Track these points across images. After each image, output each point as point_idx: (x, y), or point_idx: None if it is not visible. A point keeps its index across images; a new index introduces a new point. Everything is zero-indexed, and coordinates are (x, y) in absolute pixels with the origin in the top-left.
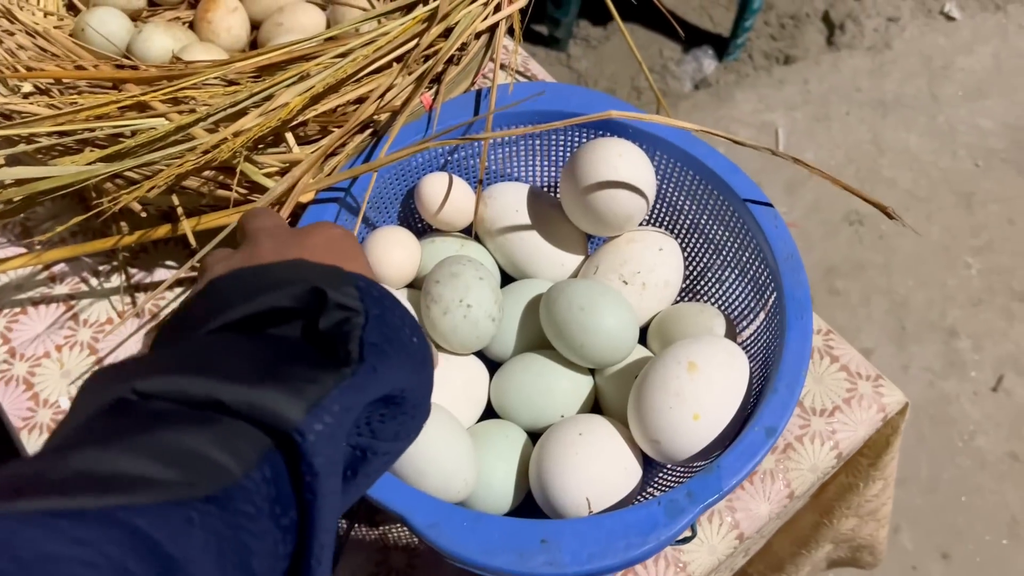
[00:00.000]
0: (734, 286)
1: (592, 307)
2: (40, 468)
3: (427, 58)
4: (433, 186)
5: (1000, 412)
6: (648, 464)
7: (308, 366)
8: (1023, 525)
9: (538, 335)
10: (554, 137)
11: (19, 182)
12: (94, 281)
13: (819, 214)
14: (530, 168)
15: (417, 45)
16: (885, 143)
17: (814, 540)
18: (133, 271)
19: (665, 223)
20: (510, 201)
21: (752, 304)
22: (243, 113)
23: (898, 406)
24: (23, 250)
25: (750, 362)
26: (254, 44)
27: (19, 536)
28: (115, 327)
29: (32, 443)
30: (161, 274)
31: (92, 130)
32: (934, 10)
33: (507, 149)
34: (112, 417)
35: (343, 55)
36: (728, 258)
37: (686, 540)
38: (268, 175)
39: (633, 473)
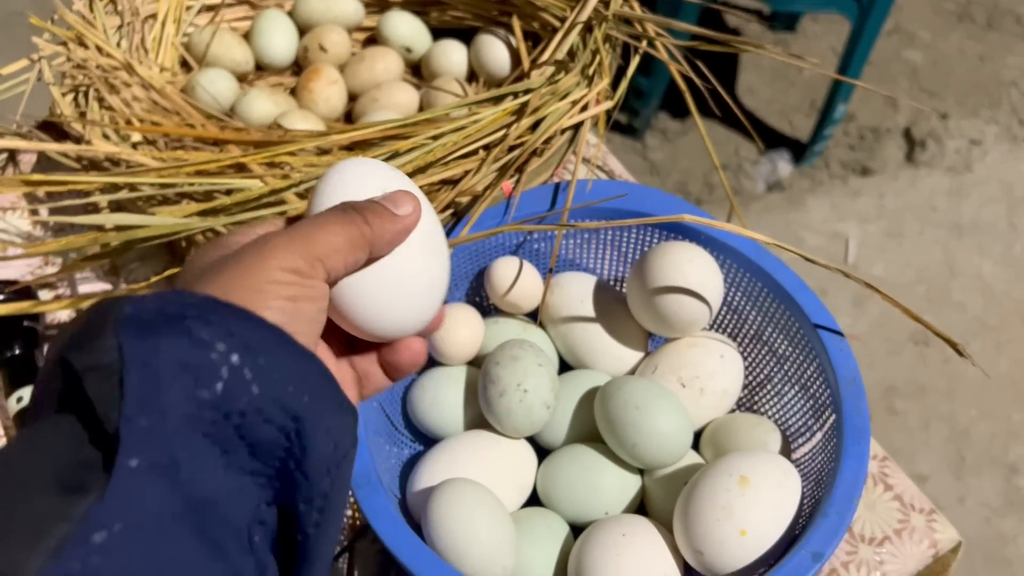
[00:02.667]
0: (793, 402)
1: (648, 407)
2: None
3: (512, 148)
4: (504, 269)
5: None
6: (689, 574)
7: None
8: None
9: (590, 427)
10: (626, 234)
11: (119, 228)
12: None
13: (884, 331)
14: (599, 260)
15: (505, 136)
16: (958, 266)
17: None
18: None
19: (728, 330)
20: (576, 291)
21: (810, 423)
22: None
23: (951, 544)
24: (108, 286)
25: (803, 481)
26: (349, 115)
27: None
28: None
29: None
30: None
31: (192, 184)
32: (1019, 137)
33: (578, 239)
34: None
35: (434, 138)
36: (789, 373)
37: None
38: None
39: None
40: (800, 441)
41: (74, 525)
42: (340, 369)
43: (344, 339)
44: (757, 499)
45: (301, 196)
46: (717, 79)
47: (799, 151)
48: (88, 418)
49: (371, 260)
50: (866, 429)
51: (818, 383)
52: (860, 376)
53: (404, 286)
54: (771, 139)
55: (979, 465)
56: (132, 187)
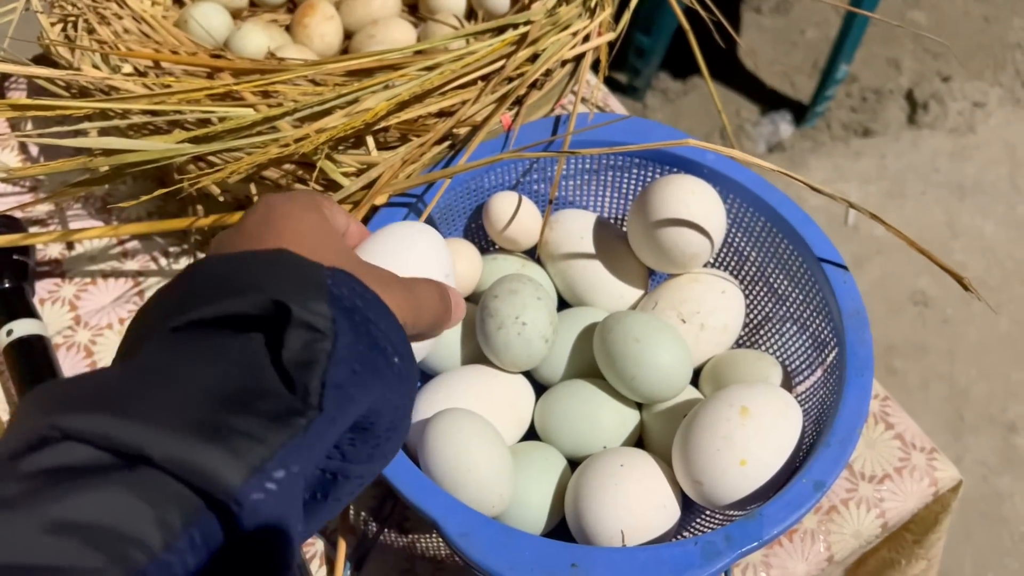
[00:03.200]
0: (794, 339)
1: (648, 340)
2: None
3: (511, 80)
4: (502, 204)
5: None
6: (687, 507)
7: (256, 415)
8: None
9: (589, 363)
10: (626, 172)
11: (107, 152)
12: (164, 261)
13: (884, 291)
14: (599, 200)
15: (504, 66)
16: (959, 227)
17: None
18: (201, 255)
19: (731, 267)
20: (576, 227)
21: (810, 360)
22: (328, 112)
23: (951, 482)
24: (100, 223)
25: (804, 418)
26: (346, 53)
27: None
28: None
29: None
30: None
31: (182, 113)
32: (1022, 99)
33: (578, 180)
34: (29, 459)
35: (430, 68)
36: (791, 310)
37: None
38: (345, 174)
39: (671, 512)
40: (801, 378)
41: (271, 455)
42: None
43: None
44: (758, 429)
45: (295, 125)
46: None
47: (800, 112)
48: (286, 359)
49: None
50: (869, 360)
51: (820, 319)
52: (864, 308)
53: None
54: (773, 100)
55: (977, 424)
56: (122, 115)
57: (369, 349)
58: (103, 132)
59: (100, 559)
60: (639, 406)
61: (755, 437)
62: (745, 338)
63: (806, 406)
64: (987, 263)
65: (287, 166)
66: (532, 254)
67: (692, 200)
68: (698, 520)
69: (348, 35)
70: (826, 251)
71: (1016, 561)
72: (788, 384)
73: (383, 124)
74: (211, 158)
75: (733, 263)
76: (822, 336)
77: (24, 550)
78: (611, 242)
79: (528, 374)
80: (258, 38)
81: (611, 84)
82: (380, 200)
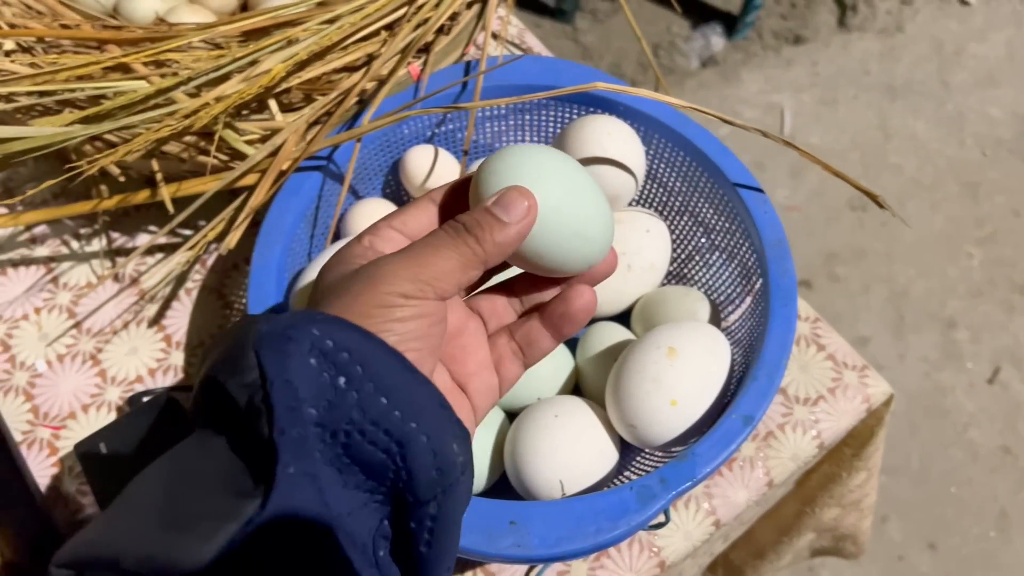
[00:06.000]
0: (722, 270)
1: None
2: None
3: (417, 27)
4: (418, 158)
5: (995, 405)
6: (626, 448)
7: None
8: (1012, 519)
9: None
10: (544, 113)
11: None
12: (75, 244)
13: (822, 199)
14: (519, 142)
15: (405, 14)
16: (892, 129)
17: (796, 529)
18: (114, 235)
19: (656, 204)
20: None
21: (739, 289)
22: (226, 78)
23: (883, 397)
24: (3, 211)
25: (734, 348)
26: (245, 8)
27: None
28: (92, 290)
29: (7, 406)
30: (142, 239)
31: (72, 91)
32: None
33: (496, 124)
34: None
35: (330, 21)
36: (717, 241)
37: (659, 526)
38: (249, 142)
39: (609, 456)
40: (731, 308)
41: (242, 523)
42: (497, 346)
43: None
44: (686, 369)
45: (192, 95)
46: None
47: (731, 24)
48: (243, 429)
49: (491, 266)
50: (793, 290)
51: (745, 248)
52: (786, 238)
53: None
54: (703, 13)
55: (918, 322)
56: (7, 99)
57: (331, 376)
58: None
59: None
60: (573, 353)
61: (683, 377)
62: (675, 272)
63: (737, 335)
64: (920, 162)
65: (187, 138)
66: None
67: (608, 141)
68: (638, 459)
69: None
70: (742, 178)
71: (960, 451)
72: (717, 317)
73: (285, 86)
74: (107, 136)
75: (659, 197)
76: (748, 265)
77: None
78: None
79: None
80: (149, 1)
81: (538, 8)
82: (287, 166)
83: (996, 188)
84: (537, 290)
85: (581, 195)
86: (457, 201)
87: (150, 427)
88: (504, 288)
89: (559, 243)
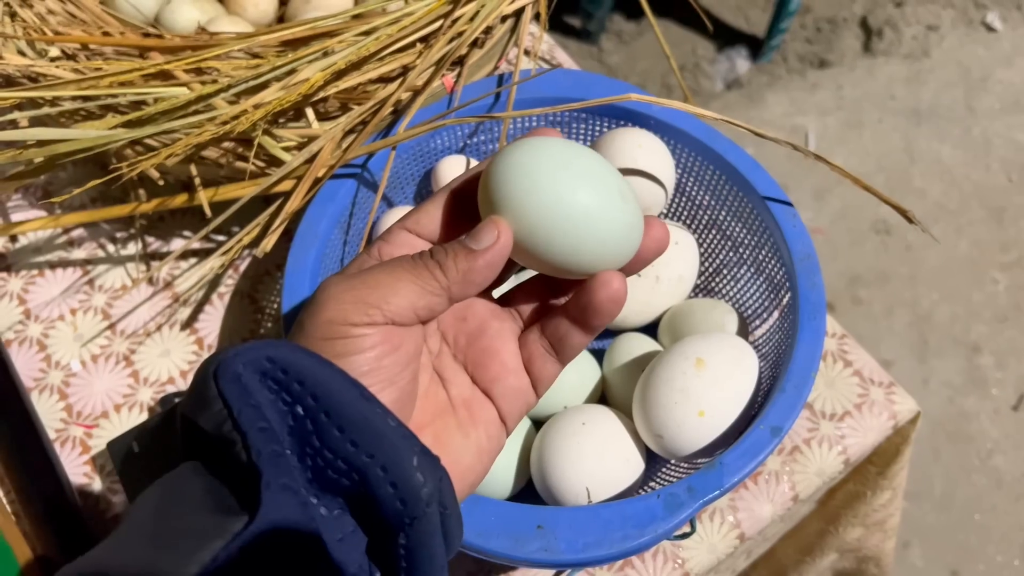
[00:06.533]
0: (750, 284)
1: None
2: None
3: (452, 40)
4: (450, 168)
5: (1020, 432)
6: (652, 458)
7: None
8: None
9: None
10: (575, 125)
11: (40, 143)
12: (111, 247)
13: (846, 222)
14: None
15: (442, 26)
16: (917, 153)
17: (819, 548)
18: (150, 239)
19: (684, 217)
20: None
21: (767, 303)
22: (264, 86)
23: (910, 414)
24: (43, 213)
25: (761, 361)
26: (282, 21)
27: None
28: (126, 292)
29: (42, 404)
30: (177, 243)
31: (115, 96)
32: (975, 20)
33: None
34: None
35: (367, 33)
36: (745, 255)
37: (685, 536)
38: (286, 149)
39: (635, 466)
40: (758, 322)
41: (227, 540)
42: (528, 343)
43: (534, 307)
44: (713, 379)
45: (231, 102)
46: None
47: (756, 47)
48: (223, 458)
49: (462, 298)
50: (822, 303)
51: (773, 263)
52: (815, 252)
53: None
54: (728, 36)
55: (941, 347)
56: (52, 103)
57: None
58: (35, 122)
59: None
60: (600, 363)
61: (711, 388)
62: (701, 287)
63: (764, 349)
64: (945, 186)
65: (226, 144)
66: None
67: (639, 154)
68: (664, 470)
69: (283, 1)
70: (772, 192)
71: (984, 477)
72: (745, 330)
73: (322, 95)
74: (148, 141)
75: (687, 211)
76: (776, 279)
77: None
78: None
79: None
80: (189, 11)
81: (565, 29)
82: (322, 173)
83: (1022, 213)
84: (566, 287)
85: (598, 192)
86: (474, 190)
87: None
88: (544, 281)
89: (575, 245)
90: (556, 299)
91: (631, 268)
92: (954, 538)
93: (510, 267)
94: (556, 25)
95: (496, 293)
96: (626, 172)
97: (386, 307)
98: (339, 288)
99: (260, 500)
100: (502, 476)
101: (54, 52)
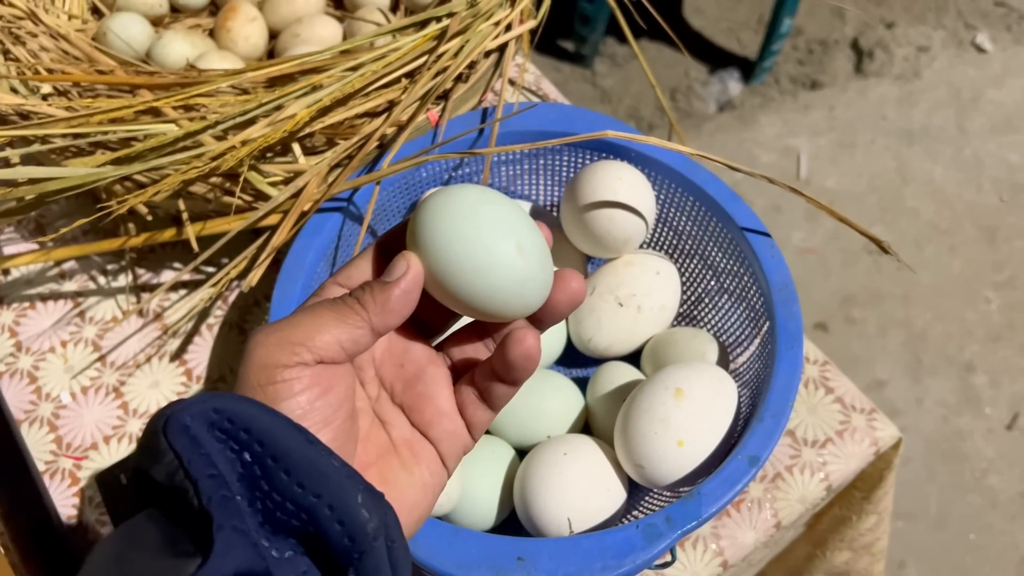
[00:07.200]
0: (731, 312)
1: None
2: None
3: (437, 75)
4: None
5: (1014, 451)
6: (635, 487)
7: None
8: None
9: None
10: (558, 158)
11: (31, 181)
12: (102, 280)
13: (839, 241)
14: (533, 187)
15: (426, 62)
16: (910, 173)
17: (807, 571)
18: (140, 271)
19: (666, 247)
20: None
21: (748, 331)
22: (251, 122)
23: (891, 440)
24: (35, 247)
25: (742, 390)
26: (272, 54)
27: None
28: (117, 324)
29: (32, 436)
30: (167, 275)
31: (105, 133)
32: (965, 41)
33: (511, 168)
34: None
35: (353, 69)
36: (726, 284)
37: (665, 565)
38: (273, 184)
39: (617, 495)
40: (739, 350)
41: None
42: (460, 390)
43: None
44: (693, 409)
45: (219, 138)
46: None
47: (748, 69)
48: (177, 507)
49: (384, 330)
50: (799, 333)
51: (753, 291)
52: (792, 282)
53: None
54: (720, 58)
55: (936, 366)
56: (43, 140)
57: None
58: (26, 159)
59: None
60: (584, 393)
61: (690, 418)
62: (685, 314)
63: (745, 377)
64: (938, 207)
65: (213, 179)
66: None
67: (620, 186)
68: (647, 498)
69: (273, 35)
70: (750, 222)
71: (979, 497)
72: (726, 359)
73: (308, 130)
74: (137, 177)
75: (669, 240)
76: (757, 308)
77: None
78: None
79: None
80: (180, 46)
81: (558, 53)
82: (308, 207)
83: (1014, 233)
84: (488, 334)
85: (494, 242)
86: (399, 243)
87: None
88: (474, 329)
89: (470, 291)
90: (484, 342)
91: (545, 320)
92: (949, 558)
93: (448, 316)
94: (549, 49)
95: (436, 341)
96: (608, 204)
97: (311, 344)
98: (264, 333)
99: (212, 543)
100: (486, 506)
101: (46, 89)
